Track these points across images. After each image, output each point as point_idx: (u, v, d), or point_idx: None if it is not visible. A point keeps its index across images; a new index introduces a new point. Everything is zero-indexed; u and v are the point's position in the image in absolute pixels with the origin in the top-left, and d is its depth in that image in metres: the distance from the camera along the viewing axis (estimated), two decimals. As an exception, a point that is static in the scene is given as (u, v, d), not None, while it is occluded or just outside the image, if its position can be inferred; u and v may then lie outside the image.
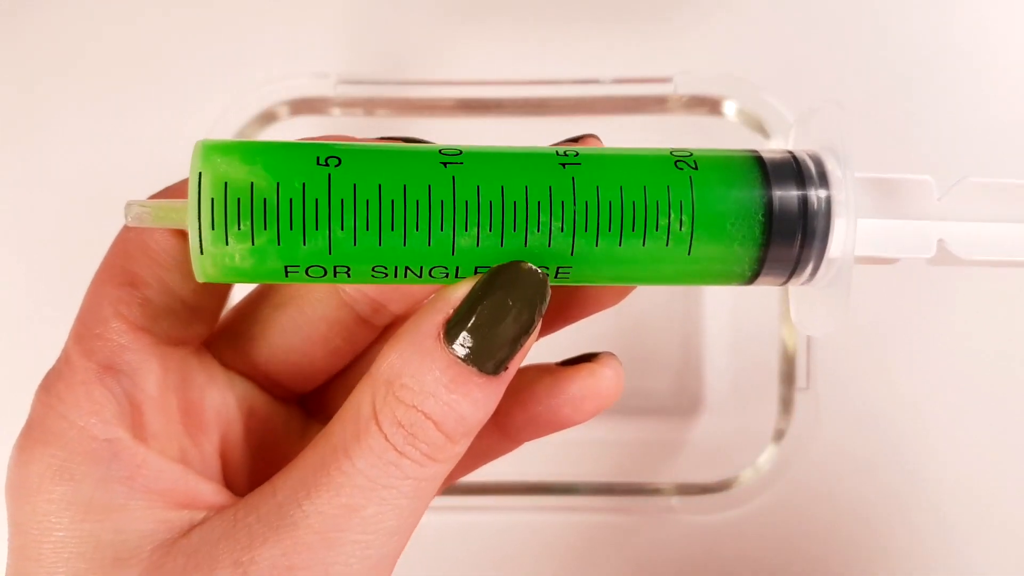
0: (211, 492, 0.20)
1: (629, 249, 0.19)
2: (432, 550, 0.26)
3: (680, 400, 0.42)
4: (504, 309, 0.18)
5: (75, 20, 0.41)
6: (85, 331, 0.20)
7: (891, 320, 0.42)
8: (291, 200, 0.18)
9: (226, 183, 0.18)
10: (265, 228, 0.18)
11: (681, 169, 0.19)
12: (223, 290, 0.22)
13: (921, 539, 0.42)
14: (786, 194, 0.20)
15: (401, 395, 0.18)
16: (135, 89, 0.41)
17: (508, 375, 0.19)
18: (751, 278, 0.21)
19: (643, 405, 0.42)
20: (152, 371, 0.20)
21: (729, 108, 0.36)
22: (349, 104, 0.37)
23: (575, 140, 0.23)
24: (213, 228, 0.18)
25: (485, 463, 0.24)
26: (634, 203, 0.19)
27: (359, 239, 0.18)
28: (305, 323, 0.23)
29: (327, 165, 0.18)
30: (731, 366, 0.41)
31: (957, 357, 0.42)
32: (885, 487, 0.42)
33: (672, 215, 0.19)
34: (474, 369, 0.18)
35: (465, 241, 0.18)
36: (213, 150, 0.18)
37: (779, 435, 0.36)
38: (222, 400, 0.23)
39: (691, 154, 0.20)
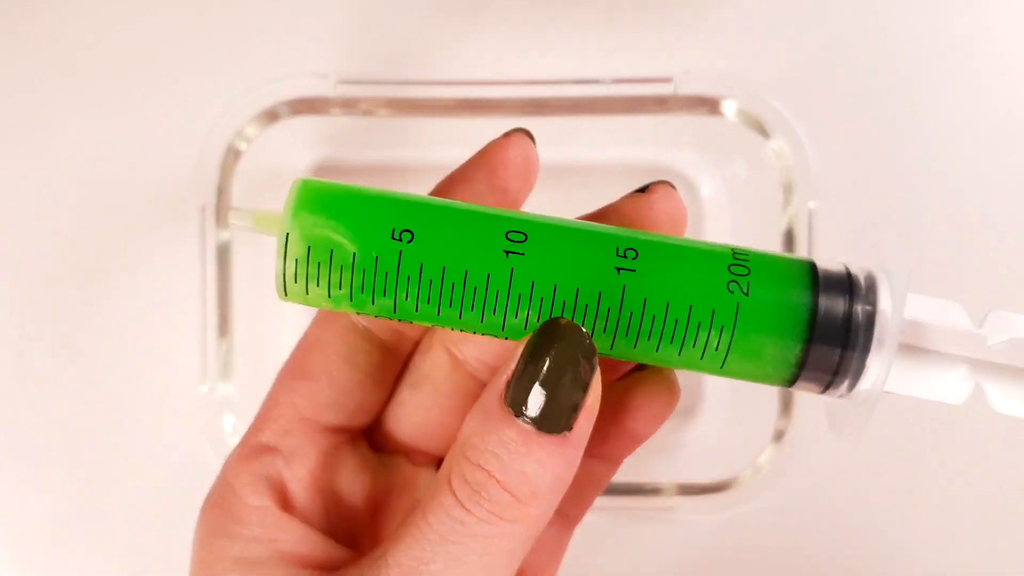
0: (346, 557, 0.22)
1: (664, 354, 0.20)
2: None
3: (680, 400, 0.42)
4: (556, 368, 0.19)
5: (74, 21, 0.41)
6: (262, 414, 0.23)
7: (891, 320, 0.42)
8: (364, 271, 0.20)
9: (310, 247, 0.20)
10: (340, 288, 0.20)
11: (732, 292, 0.19)
12: (384, 389, 0.24)
13: (921, 539, 0.42)
14: (825, 340, 0.20)
15: (469, 455, 0.19)
16: (135, 90, 0.41)
17: (576, 438, 0.19)
18: (786, 383, 0.21)
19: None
20: (308, 454, 0.23)
21: (729, 108, 0.36)
22: (349, 104, 0.37)
23: (644, 190, 0.24)
24: (296, 282, 0.20)
25: (595, 494, 0.25)
26: (676, 320, 0.19)
27: (420, 308, 0.20)
28: (440, 399, 0.24)
29: (400, 240, 0.20)
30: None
31: (957, 357, 0.42)
32: (885, 487, 0.42)
33: (711, 335, 0.19)
34: (533, 429, 0.19)
35: (514, 321, 0.20)
36: (305, 203, 0.20)
37: (779, 435, 0.36)
38: (372, 481, 0.24)
39: (748, 271, 0.20)
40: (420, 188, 0.42)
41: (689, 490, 0.37)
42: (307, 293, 0.20)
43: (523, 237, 0.20)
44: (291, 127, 0.37)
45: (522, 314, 0.20)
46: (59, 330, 0.42)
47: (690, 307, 0.19)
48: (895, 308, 0.20)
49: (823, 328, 0.20)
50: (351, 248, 0.20)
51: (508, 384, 0.19)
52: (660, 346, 0.20)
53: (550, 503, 0.20)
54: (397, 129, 0.40)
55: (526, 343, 0.19)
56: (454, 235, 0.20)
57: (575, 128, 0.39)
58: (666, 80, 0.36)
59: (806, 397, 0.36)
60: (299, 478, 0.23)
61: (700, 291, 0.19)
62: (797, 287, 0.20)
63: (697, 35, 0.42)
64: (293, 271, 0.20)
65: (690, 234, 0.42)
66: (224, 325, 0.36)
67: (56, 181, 0.42)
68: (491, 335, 0.21)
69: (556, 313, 0.19)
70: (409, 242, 0.20)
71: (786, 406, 0.36)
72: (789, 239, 0.36)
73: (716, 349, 0.20)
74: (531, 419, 0.19)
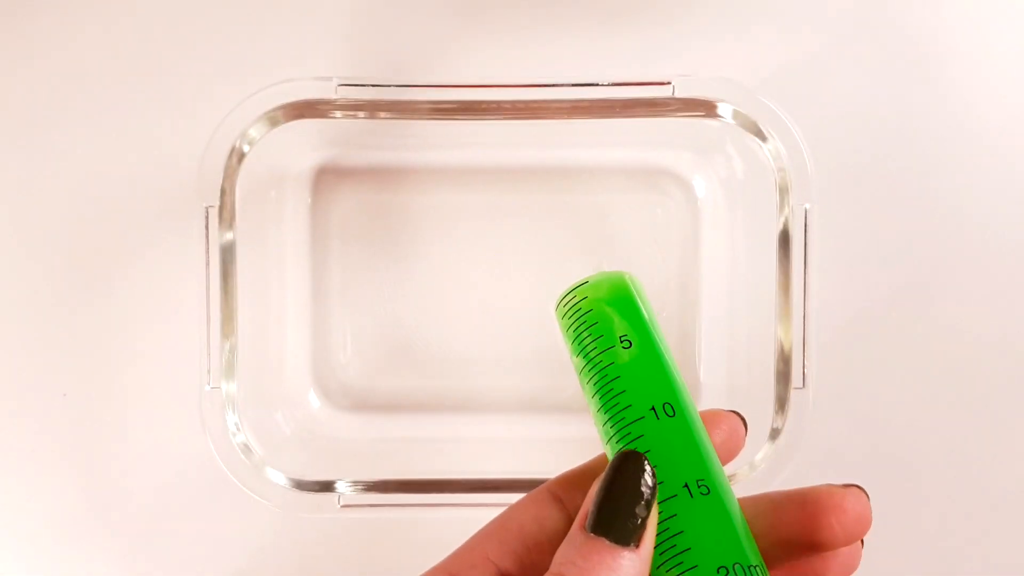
0: None
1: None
2: (438, 547, 0.26)
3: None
4: (620, 485, 0.22)
5: (78, 25, 0.42)
6: (459, 550, 0.26)
7: (887, 320, 0.42)
8: (590, 337, 0.25)
9: (586, 297, 0.25)
10: (572, 331, 0.25)
11: (718, 572, 0.22)
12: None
13: (917, 539, 0.43)
14: None
15: (553, 570, 0.22)
16: (141, 92, 0.42)
17: (644, 553, 0.22)
18: None
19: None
20: None
21: (726, 111, 0.37)
22: (350, 107, 0.37)
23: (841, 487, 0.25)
24: (563, 306, 0.26)
25: None
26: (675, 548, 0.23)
27: (587, 386, 0.25)
28: None
29: (622, 343, 0.24)
30: (727, 365, 0.41)
31: (953, 357, 0.42)
32: (880, 486, 0.42)
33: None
34: (604, 539, 0.21)
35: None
36: (611, 286, 0.25)
37: (775, 434, 0.37)
38: None
39: None
40: (421, 188, 0.42)
41: (686, 488, 0.37)
42: (562, 317, 0.25)
43: (672, 412, 0.23)
44: (294, 129, 0.37)
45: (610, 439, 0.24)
46: (64, 329, 0.42)
47: (689, 547, 0.22)
48: None
49: None
50: (597, 321, 0.25)
51: (587, 511, 0.22)
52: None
53: None
54: (398, 131, 0.40)
55: (602, 475, 0.22)
56: (642, 373, 0.24)
57: (574, 130, 0.39)
58: (664, 83, 0.36)
59: (802, 397, 0.37)
60: None
61: (707, 553, 0.22)
62: None
63: (694, 39, 0.42)
64: (567, 302, 0.25)
65: (687, 235, 0.42)
66: (228, 324, 0.36)
67: (62, 183, 0.42)
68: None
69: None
70: (625, 348, 0.24)
71: (782, 405, 0.37)
72: (785, 240, 0.36)
73: None
74: (601, 531, 0.22)
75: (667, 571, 0.22)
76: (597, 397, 0.24)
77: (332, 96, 0.36)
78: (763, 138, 0.37)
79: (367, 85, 0.37)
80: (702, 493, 0.23)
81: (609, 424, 0.24)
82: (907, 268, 0.42)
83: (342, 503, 0.37)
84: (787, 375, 0.37)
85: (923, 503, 0.42)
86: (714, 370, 0.42)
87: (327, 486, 0.37)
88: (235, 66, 0.42)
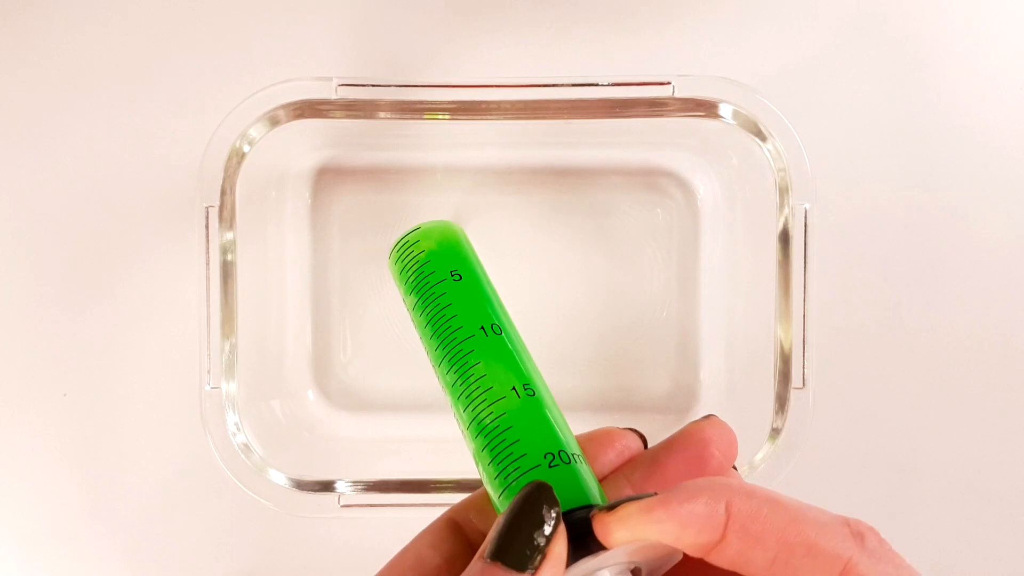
0: None
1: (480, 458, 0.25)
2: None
3: (676, 399, 0.42)
4: (520, 510, 0.22)
5: (80, 25, 0.42)
6: None
7: (886, 320, 0.42)
8: (421, 275, 0.28)
9: (419, 239, 0.28)
10: (407, 273, 0.28)
11: (546, 458, 0.24)
12: None
13: (915, 538, 0.43)
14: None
15: None
16: (142, 93, 0.42)
17: None
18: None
19: (640, 404, 0.43)
20: None
21: (726, 111, 0.37)
22: (350, 107, 0.37)
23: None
24: (396, 251, 0.29)
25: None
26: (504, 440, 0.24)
27: (417, 318, 0.28)
28: None
29: (452, 277, 0.27)
30: (727, 365, 0.41)
31: (951, 357, 0.42)
32: (879, 486, 0.43)
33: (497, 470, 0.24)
34: (499, 564, 0.21)
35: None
36: (439, 231, 0.28)
37: (775, 434, 0.37)
38: None
39: (570, 460, 0.24)
40: (421, 188, 0.42)
41: (686, 488, 0.37)
42: (396, 262, 0.28)
43: (499, 331, 0.26)
44: (294, 130, 0.37)
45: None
46: (64, 329, 0.42)
47: (519, 439, 0.24)
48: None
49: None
50: (429, 260, 0.27)
51: (488, 540, 0.22)
52: (483, 452, 0.24)
53: None
54: (398, 131, 0.40)
55: (508, 505, 0.22)
56: (471, 299, 0.27)
57: (574, 130, 0.39)
58: (664, 83, 0.36)
59: (802, 397, 0.37)
60: None
61: (534, 442, 0.24)
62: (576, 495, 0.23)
63: (694, 39, 0.42)
64: (401, 248, 0.28)
65: (687, 235, 0.42)
66: (228, 324, 0.37)
67: (62, 183, 0.42)
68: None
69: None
70: (456, 281, 0.27)
71: (782, 405, 0.37)
72: (785, 240, 0.36)
73: (494, 478, 0.24)
74: (496, 556, 0.21)
75: (500, 460, 0.24)
76: (430, 324, 0.26)
77: (332, 96, 0.36)
78: (763, 138, 0.37)
79: (367, 85, 0.37)
80: (528, 395, 0.25)
81: (442, 346, 0.26)
82: (907, 268, 0.42)
83: (342, 503, 0.37)
84: (787, 375, 0.37)
85: (923, 503, 0.43)
86: (714, 370, 0.42)
87: (327, 486, 0.37)
88: (235, 66, 0.42)
